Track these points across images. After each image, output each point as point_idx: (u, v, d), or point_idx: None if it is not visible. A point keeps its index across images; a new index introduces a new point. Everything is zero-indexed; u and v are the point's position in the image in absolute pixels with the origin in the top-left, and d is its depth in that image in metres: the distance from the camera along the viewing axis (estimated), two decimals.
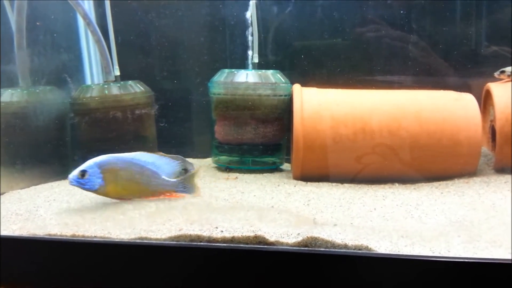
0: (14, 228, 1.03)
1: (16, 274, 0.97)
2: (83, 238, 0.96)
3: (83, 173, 1.11)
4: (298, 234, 0.91)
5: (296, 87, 1.44)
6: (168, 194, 1.16)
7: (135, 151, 1.50)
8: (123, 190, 1.14)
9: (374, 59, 1.62)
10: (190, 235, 0.93)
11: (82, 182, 1.11)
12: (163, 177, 1.15)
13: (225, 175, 1.47)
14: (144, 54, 1.75)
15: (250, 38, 1.52)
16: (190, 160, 1.71)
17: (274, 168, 1.54)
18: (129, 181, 1.13)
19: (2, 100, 1.42)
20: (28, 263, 0.97)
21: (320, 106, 1.36)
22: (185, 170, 1.19)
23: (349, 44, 1.64)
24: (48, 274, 0.96)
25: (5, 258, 0.96)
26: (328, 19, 1.63)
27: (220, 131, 1.52)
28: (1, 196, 1.33)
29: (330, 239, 0.88)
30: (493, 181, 1.29)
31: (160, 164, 1.16)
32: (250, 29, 1.52)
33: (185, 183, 1.17)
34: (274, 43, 1.67)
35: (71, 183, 1.11)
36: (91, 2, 1.71)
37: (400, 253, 0.84)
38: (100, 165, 1.12)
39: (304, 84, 1.46)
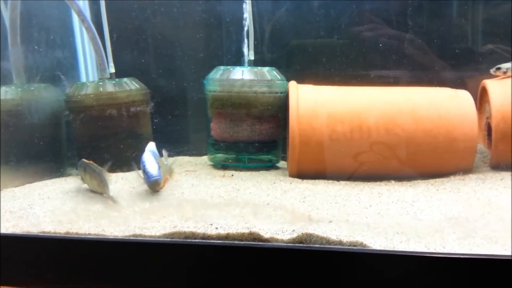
0: (7, 226, 1.02)
1: (9, 272, 0.96)
2: (77, 236, 0.96)
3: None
4: (293, 230, 0.90)
5: (292, 84, 1.43)
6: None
7: (131, 149, 1.51)
8: None
9: (370, 57, 1.62)
10: (185, 232, 0.92)
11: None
12: None
13: (221, 172, 1.47)
14: (139, 52, 1.74)
15: (246, 35, 1.52)
16: (186, 158, 1.72)
17: (270, 166, 1.53)
18: None
19: None
20: (21, 260, 0.96)
21: (316, 103, 1.36)
22: None
23: (346, 42, 1.63)
24: (42, 271, 0.96)
25: None
26: (325, 16, 1.63)
27: (216, 128, 1.52)
28: None
29: (325, 235, 0.88)
30: (489, 178, 1.29)
31: None
32: (246, 26, 1.52)
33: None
34: (270, 40, 1.67)
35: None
36: None
37: (395, 249, 0.84)
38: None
39: (300, 81, 1.46)
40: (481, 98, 1.49)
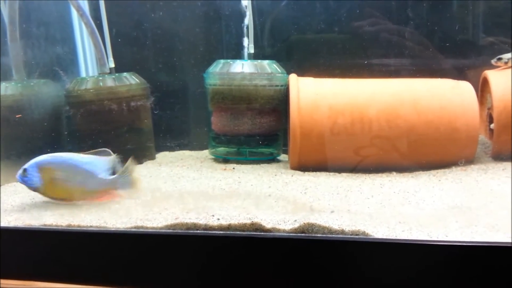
0: (9, 219, 1.02)
1: (12, 265, 0.96)
2: (78, 228, 0.96)
3: (24, 171, 1.11)
4: (295, 220, 0.90)
5: (293, 77, 1.43)
6: (108, 193, 1.11)
7: (132, 143, 1.51)
8: (62, 191, 1.12)
9: (371, 51, 1.61)
10: (187, 223, 0.92)
11: (24, 179, 1.11)
12: (100, 176, 1.11)
13: (222, 166, 1.47)
14: (139, 46, 1.73)
15: (245, 28, 1.51)
16: (187, 152, 1.72)
17: (271, 159, 1.53)
18: (65, 182, 1.11)
19: None
20: (23, 253, 0.96)
21: (316, 96, 1.35)
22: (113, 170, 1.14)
23: (346, 36, 1.63)
24: (44, 264, 0.96)
25: (0, 248, 0.96)
26: (326, 10, 1.62)
27: (217, 122, 1.52)
28: None
29: (327, 225, 0.88)
30: (491, 168, 1.29)
31: (97, 163, 1.12)
32: (246, 19, 1.51)
33: (123, 179, 1.11)
34: (270, 33, 1.66)
35: (17, 180, 1.12)
36: None
37: (398, 238, 0.84)
38: (38, 164, 1.11)
39: (300, 74, 1.45)
40: (482, 89, 1.48)
